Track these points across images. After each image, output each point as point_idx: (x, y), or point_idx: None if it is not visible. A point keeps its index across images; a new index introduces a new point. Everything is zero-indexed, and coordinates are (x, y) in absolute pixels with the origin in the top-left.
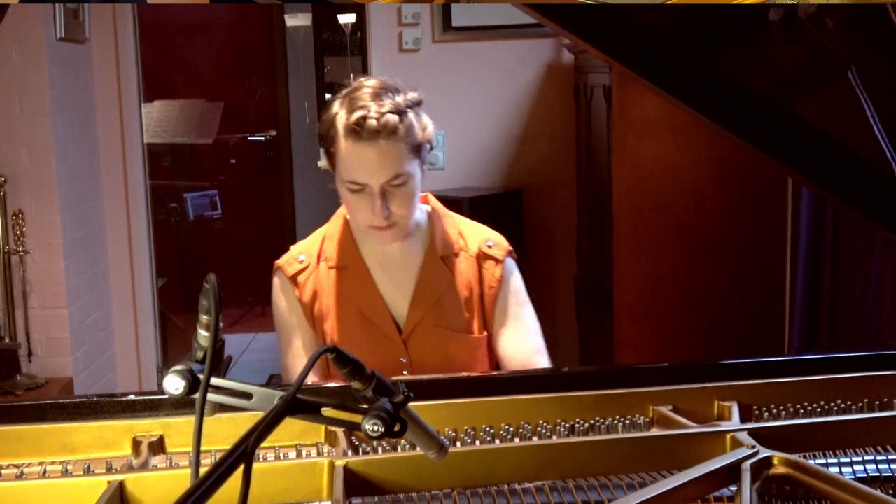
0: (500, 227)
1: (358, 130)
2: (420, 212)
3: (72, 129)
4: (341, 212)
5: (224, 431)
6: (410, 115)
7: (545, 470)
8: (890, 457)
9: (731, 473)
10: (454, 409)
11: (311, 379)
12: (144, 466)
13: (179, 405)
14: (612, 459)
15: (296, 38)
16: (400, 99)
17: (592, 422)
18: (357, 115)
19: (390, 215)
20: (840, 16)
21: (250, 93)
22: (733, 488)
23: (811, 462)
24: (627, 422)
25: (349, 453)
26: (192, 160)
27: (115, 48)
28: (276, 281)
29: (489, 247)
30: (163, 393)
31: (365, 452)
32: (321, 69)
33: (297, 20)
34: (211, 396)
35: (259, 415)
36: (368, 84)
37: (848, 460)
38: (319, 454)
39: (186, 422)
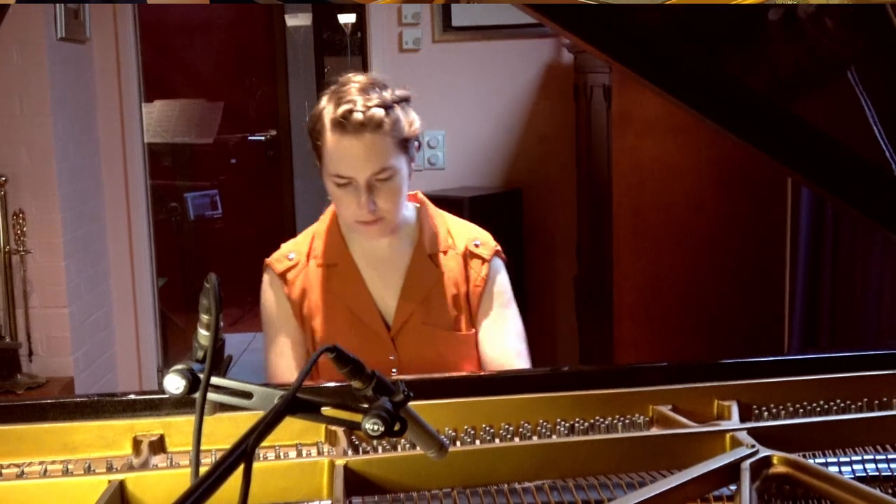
0: (500, 226)
1: (343, 123)
2: (409, 209)
3: (72, 128)
4: (331, 210)
5: (224, 431)
6: (397, 109)
7: (545, 469)
8: (889, 456)
9: (730, 473)
10: (454, 408)
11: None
12: (145, 466)
13: (180, 404)
14: (612, 459)
15: (296, 38)
16: (387, 94)
17: (592, 421)
18: (343, 108)
19: (376, 209)
20: (840, 16)
21: (250, 93)
22: (733, 487)
23: (811, 461)
24: (627, 421)
25: (349, 452)
26: (193, 160)
27: (115, 48)
28: (265, 278)
29: (476, 245)
30: (163, 392)
31: (365, 452)
32: (321, 69)
33: (298, 20)
34: (211, 396)
35: (259, 414)
36: (356, 79)
37: (847, 459)
38: (319, 453)
39: (187, 421)
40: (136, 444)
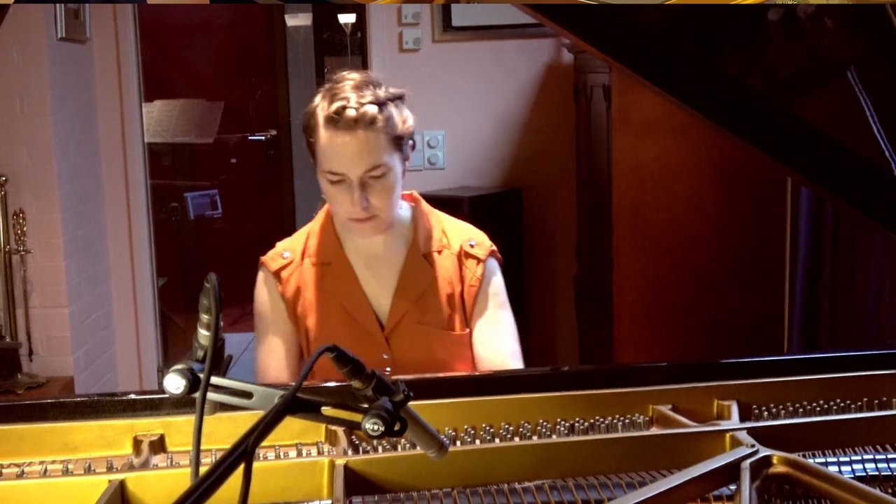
0: (499, 226)
1: (336, 120)
2: (404, 209)
3: (72, 128)
4: (325, 208)
5: (224, 430)
6: (391, 107)
7: (545, 469)
8: (889, 455)
9: (730, 472)
10: (454, 408)
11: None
12: (145, 465)
13: (180, 404)
14: (612, 458)
15: (296, 37)
16: (381, 92)
17: (592, 421)
18: (336, 105)
19: (369, 207)
20: (840, 16)
21: (251, 92)
22: (733, 487)
23: (810, 461)
24: (627, 421)
25: (349, 452)
26: (193, 160)
27: (115, 48)
28: (260, 275)
29: (471, 246)
30: (163, 392)
31: (365, 451)
32: (321, 69)
33: (298, 20)
34: (211, 395)
35: (259, 414)
36: (351, 77)
37: (847, 459)
38: (320, 453)
39: (187, 421)
40: (137, 443)
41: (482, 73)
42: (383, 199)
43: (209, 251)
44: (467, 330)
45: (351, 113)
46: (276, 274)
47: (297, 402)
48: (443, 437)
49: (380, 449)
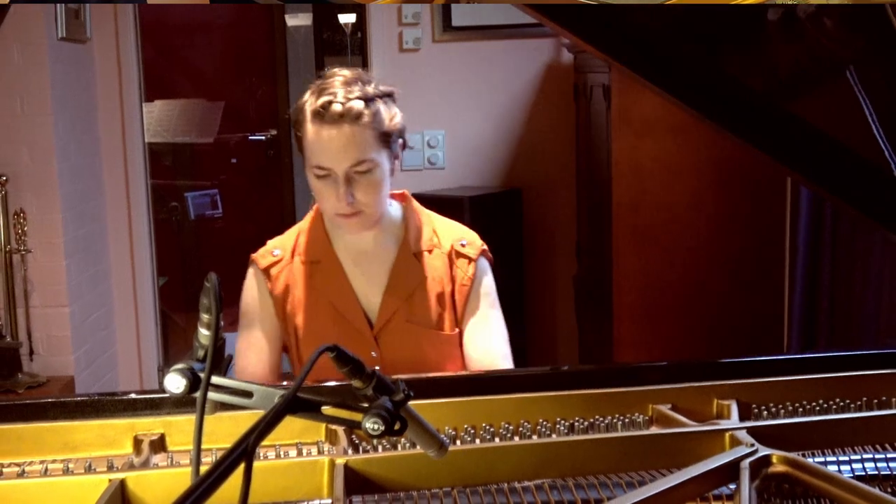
0: (499, 226)
1: (322, 114)
2: (395, 207)
3: (73, 128)
4: (316, 207)
5: (225, 430)
6: (378, 103)
7: (545, 468)
8: (888, 455)
9: (730, 472)
10: (454, 407)
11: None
12: (145, 465)
13: (180, 404)
14: (612, 458)
15: (296, 37)
16: (370, 88)
17: (592, 420)
18: (323, 99)
19: (355, 202)
20: (839, 16)
21: (251, 92)
22: (732, 486)
23: (810, 460)
24: (627, 420)
25: (349, 451)
26: (193, 159)
27: (116, 48)
28: (249, 271)
29: (463, 245)
30: (164, 391)
31: (365, 451)
32: (321, 69)
33: (298, 20)
34: (212, 395)
35: (259, 413)
36: (342, 73)
37: (847, 458)
38: (320, 452)
39: (187, 420)
40: (137, 443)
41: (482, 73)
42: (369, 195)
43: (209, 251)
44: (457, 330)
45: (337, 108)
46: (266, 271)
47: (298, 402)
48: (443, 436)
49: (380, 448)
